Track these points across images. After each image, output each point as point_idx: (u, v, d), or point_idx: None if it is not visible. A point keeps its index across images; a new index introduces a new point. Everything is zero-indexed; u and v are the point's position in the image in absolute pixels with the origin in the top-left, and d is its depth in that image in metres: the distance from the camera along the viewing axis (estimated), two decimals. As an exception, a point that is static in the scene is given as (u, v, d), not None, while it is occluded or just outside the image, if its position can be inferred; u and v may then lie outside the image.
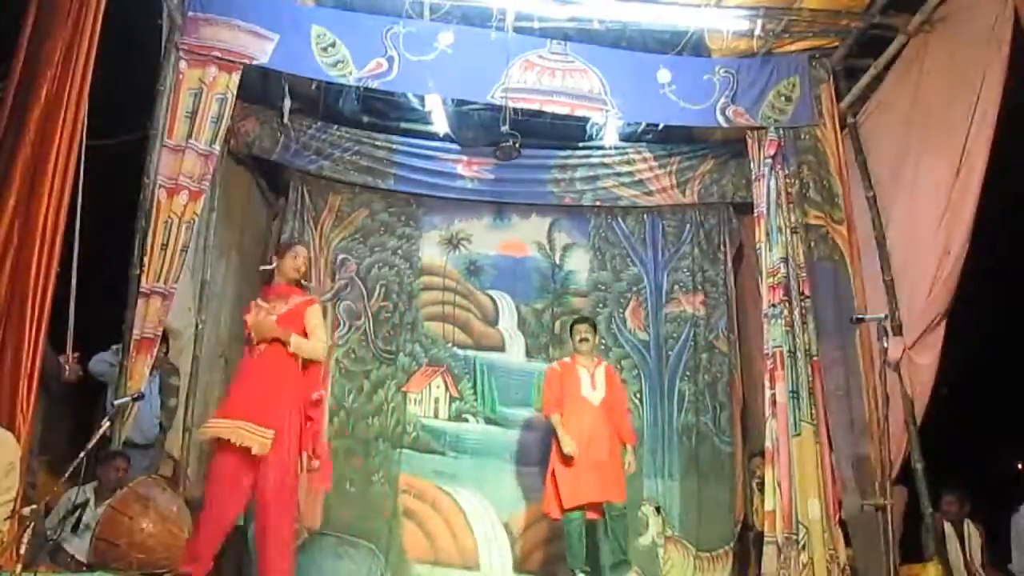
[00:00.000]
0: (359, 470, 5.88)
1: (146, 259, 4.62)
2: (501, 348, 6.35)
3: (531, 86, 5.38)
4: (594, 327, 5.43)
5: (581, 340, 5.28)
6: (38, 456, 4.07)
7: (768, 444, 5.04)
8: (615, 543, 4.92)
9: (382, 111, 6.35)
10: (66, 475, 3.60)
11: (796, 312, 5.16)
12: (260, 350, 3.92)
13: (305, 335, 3.98)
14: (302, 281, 4.21)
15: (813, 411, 4.98)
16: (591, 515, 4.99)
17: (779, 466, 4.93)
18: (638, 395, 6.19)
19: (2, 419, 3.41)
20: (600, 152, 6.35)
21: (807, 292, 5.21)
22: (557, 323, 6.38)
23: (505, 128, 5.39)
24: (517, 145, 5.50)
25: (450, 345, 6.29)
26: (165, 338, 4.89)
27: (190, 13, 5.00)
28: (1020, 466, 6.00)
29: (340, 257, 6.33)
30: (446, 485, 5.95)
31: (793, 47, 5.64)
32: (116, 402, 4.08)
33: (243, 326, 4.05)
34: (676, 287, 6.42)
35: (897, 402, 4.88)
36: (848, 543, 4.85)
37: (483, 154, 6.22)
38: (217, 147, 4.98)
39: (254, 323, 3.96)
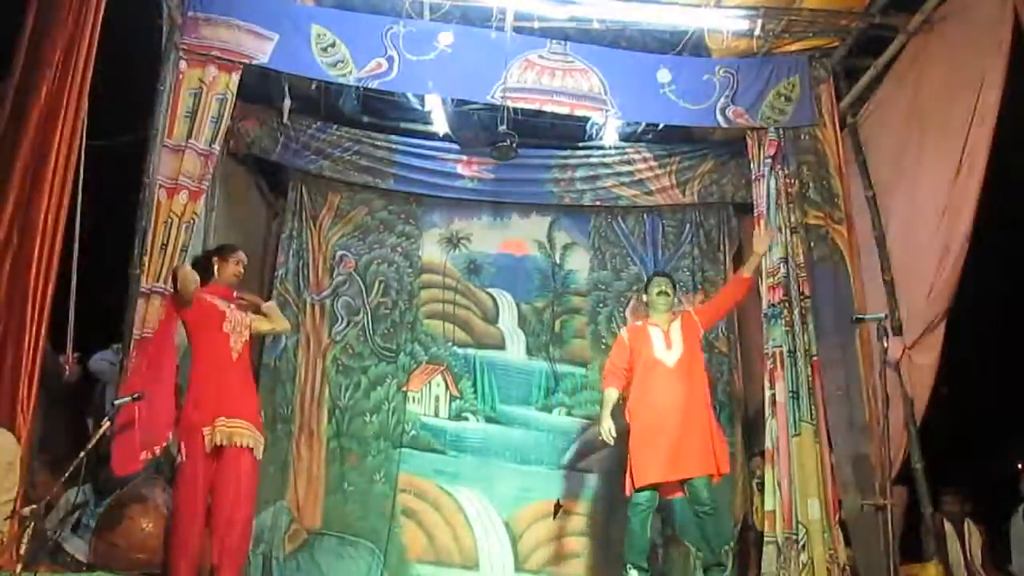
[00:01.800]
0: (356, 469, 5.88)
1: (146, 259, 4.61)
2: (501, 346, 6.35)
3: (531, 86, 5.37)
4: (673, 283, 4.97)
5: (659, 293, 4.78)
6: (38, 456, 4.07)
7: (768, 444, 5.03)
8: (703, 542, 4.51)
9: (382, 111, 6.35)
10: (66, 475, 3.60)
11: (796, 312, 5.16)
12: (239, 350, 4.08)
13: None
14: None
15: (813, 411, 4.97)
16: (673, 493, 4.53)
17: (779, 466, 4.93)
18: (638, 394, 6.18)
19: (2, 419, 3.42)
20: (600, 152, 6.34)
21: (807, 292, 5.21)
22: (557, 322, 6.39)
23: (503, 128, 5.39)
24: (514, 145, 5.50)
25: (450, 343, 6.29)
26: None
27: (190, 13, 4.99)
28: (1020, 466, 5.99)
29: (339, 254, 6.33)
30: (446, 484, 5.96)
31: (793, 47, 5.63)
32: (116, 402, 4.09)
33: (209, 313, 4.11)
34: (676, 287, 6.41)
35: (897, 402, 4.88)
36: (848, 543, 4.85)
37: (483, 154, 6.20)
38: (217, 147, 4.97)
39: (239, 321, 4.11)
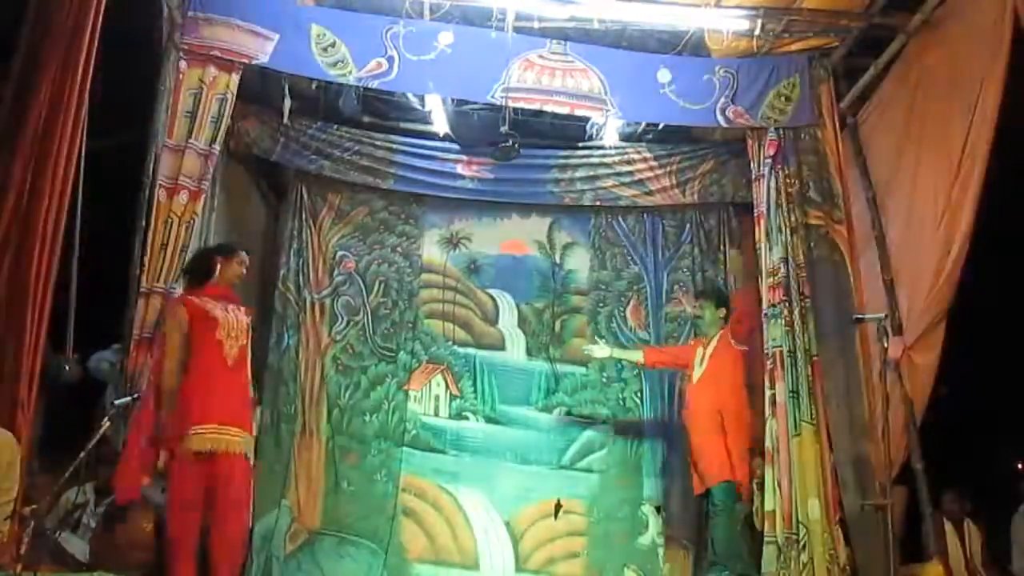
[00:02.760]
0: (357, 468, 5.88)
1: (146, 259, 4.63)
2: (501, 347, 6.34)
3: (531, 86, 5.38)
4: (716, 299, 5.34)
5: (696, 317, 5.33)
6: (38, 456, 4.07)
7: (768, 444, 5.04)
8: (708, 541, 4.96)
9: (382, 111, 6.34)
10: (66, 475, 3.60)
11: (796, 312, 5.16)
12: (234, 355, 4.05)
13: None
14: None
15: (813, 411, 4.97)
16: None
17: (779, 466, 4.93)
18: (638, 394, 6.19)
19: (2, 419, 3.41)
20: (600, 152, 6.33)
21: (807, 292, 5.21)
22: (557, 322, 6.38)
23: (504, 128, 5.39)
24: (516, 145, 5.51)
25: (450, 343, 6.28)
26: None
27: (190, 13, 5.00)
28: (1020, 466, 6.00)
29: (339, 254, 6.32)
30: (447, 484, 5.94)
31: (793, 47, 5.64)
32: (116, 402, 4.09)
33: (203, 319, 4.07)
34: (676, 287, 6.41)
35: (897, 402, 4.89)
36: (848, 543, 4.85)
37: (483, 154, 6.20)
38: (217, 147, 4.98)
39: (234, 326, 4.09)
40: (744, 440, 5.09)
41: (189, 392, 3.97)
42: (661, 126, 6.18)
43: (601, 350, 5.67)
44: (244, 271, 4.37)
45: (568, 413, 6.12)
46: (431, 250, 6.48)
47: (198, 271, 4.26)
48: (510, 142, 5.55)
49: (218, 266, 4.22)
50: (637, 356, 5.67)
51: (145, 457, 3.96)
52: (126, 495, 3.99)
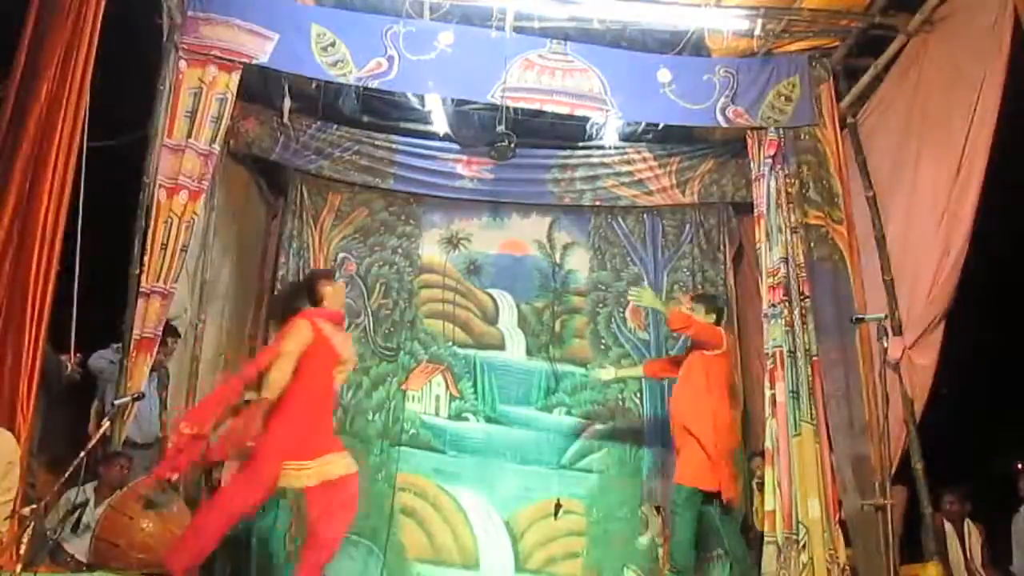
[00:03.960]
0: (359, 467, 5.86)
1: (146, 259, 4.63)
2: (501, 347, 6.35)
3: (531, 86, 5.38)
4: (706, 304, 5.13)
5: None
6: (38, 456, 4.07)
7: (768, 444, 5.04)
8: None
9: (382, 111, 6.35)
10: (66, 475, 3.60)
11: (796, 312, 5.16)
12: (338, 382, 3.93)
13: None
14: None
15: (813, 411, 4.98)
16: None
17: (779, 466, 4.93)
18: (638, 395, 6.20)
19: (2, 419, 3.42)
20: (600, 152, 6.35)
21: (807, 292, 5.21)
22: (557, 322, 6.39)
23: (501, 128, 5.39)
24: (512, 145, 5.50)
25: (450, 343, 6.30)
26: (164, 340, 4.88)
27: (190, 12, 5.00)
28: (1020, 466, 5.99)
29: (340, 256, 6.34)
30: (447, 484, 5.96)
31: (793, 47, 5.64)
32: (116, 402, 4.09)
33: (325, 350, 3.81)
34: (676, 287, 6.42)
35: (897, 402, 4.88)
36: (848, 543, 4.85)
37: (483, 153, 6.22)
38: (217, 147, 4.98)
39: (348, 359, 3.94)
40: (721, 444, 4.80)
41: (292, 418, 3.66)
42: (661, 126, 6.18)
43: (608, 373, 5.76)
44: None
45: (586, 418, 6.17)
46: (431, 250, 6.48)
47: (304, 299, 3.94)
48: (506, 142, 5.55)
49: (325, 290, 3.92)
50: (638, 372, 5.83)
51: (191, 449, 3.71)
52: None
